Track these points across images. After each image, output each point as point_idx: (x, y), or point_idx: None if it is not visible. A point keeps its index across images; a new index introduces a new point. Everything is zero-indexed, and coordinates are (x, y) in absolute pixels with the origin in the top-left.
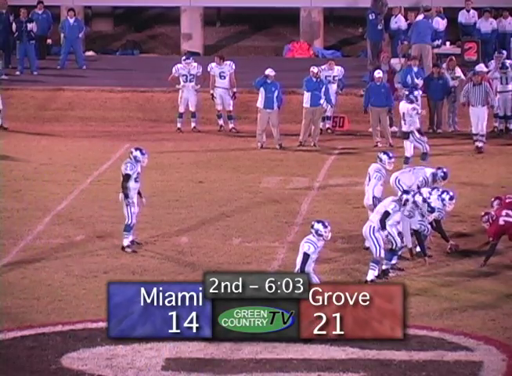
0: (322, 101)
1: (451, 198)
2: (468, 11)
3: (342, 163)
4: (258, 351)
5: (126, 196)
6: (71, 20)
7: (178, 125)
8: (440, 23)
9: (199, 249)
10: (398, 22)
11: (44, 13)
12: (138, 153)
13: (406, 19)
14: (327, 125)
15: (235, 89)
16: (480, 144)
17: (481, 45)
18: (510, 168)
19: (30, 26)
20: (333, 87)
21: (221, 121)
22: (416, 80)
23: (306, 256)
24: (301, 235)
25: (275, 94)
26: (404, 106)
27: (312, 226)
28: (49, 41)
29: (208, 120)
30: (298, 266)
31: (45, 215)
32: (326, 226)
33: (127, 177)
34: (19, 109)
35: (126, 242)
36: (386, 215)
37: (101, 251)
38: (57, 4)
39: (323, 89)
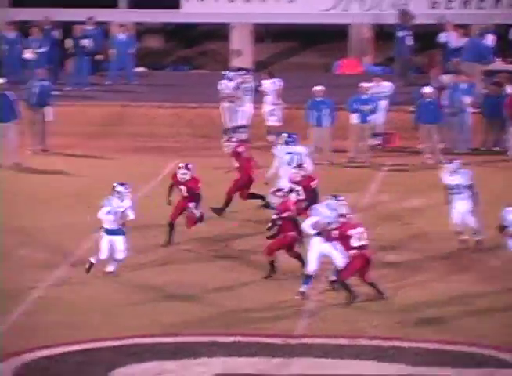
0: (369, 118)
1: None
2: None
3: (392, 179)
4: (310, 366)
5: None
6: (122, 36)
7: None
8: (490, 40)
9: None
10: (448, 38)
11: (95, 29)
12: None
13: (457, 36)
14: (377, 142)
15: (281, 105)
16: None
17: None
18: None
19: (83, 42)
20: (382, 103)
21: (271, 137)
22: (463, 97)
23: None
24: None
25: (323, 112)
26: None
27: None
28: (100, 56)
29: (257, 135)
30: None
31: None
32: None
33: None
34: (69, 125)
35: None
36: None
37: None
38: (108, 20)
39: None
